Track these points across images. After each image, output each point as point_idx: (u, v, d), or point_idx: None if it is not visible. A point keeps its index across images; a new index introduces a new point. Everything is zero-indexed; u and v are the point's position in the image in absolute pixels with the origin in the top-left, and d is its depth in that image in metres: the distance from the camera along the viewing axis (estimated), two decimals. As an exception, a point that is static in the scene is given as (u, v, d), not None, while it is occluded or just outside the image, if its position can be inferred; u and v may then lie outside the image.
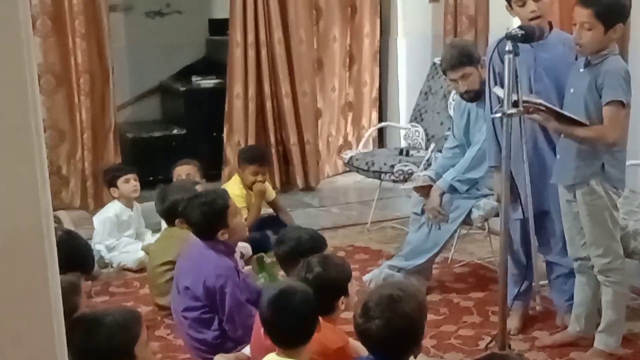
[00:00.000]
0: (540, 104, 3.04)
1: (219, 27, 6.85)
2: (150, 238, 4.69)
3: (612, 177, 3.12)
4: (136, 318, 2.41)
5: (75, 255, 3.09)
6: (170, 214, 3.97)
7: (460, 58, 3.86)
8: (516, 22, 3.39)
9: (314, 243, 3.14)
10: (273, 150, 6.15)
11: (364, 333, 2.34)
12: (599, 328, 3.27)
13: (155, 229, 4.72)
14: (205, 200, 3.34)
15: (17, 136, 0.90)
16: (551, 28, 3.37)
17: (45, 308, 0.95)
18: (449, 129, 4.39)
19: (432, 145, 5.02)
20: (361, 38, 6.55)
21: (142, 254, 4.50)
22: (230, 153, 6.06)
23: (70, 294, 2.53)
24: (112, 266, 4.61)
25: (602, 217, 3.13)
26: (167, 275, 3.82)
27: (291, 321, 2.43)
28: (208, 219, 3.32)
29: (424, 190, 4.02)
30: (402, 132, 5.89)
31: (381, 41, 6.69)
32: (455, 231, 4.08)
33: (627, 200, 3.74)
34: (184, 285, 3.36)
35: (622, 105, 3.01)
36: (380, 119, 6.78)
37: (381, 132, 6.80)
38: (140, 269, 4.43)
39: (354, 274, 4.15)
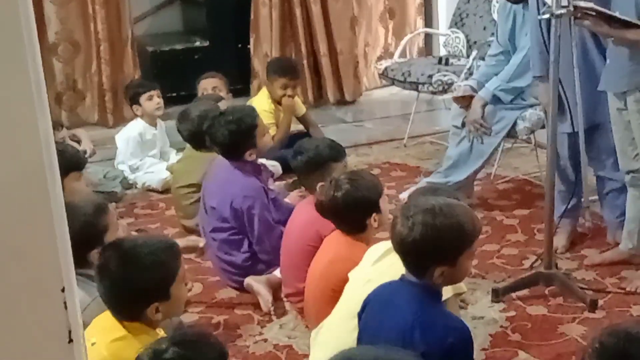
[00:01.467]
0: (591, 9, 2.96)
1: None
2: (174, 157, 4.73)
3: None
4: (175, 252, 2.30)
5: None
6: (198, 138, 3.83)
7: (504, -46, 3.80)
8: None
9: (332, 152, 3.15)
10: (304, 62, 6.07)
11: (395, 229, 2.31)
12: (653, 245, 3.29)
13: (180, 148, 4.71)
14: (232, 119, 3.34)
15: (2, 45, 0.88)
16: None
17: (47, 225, 0.96)
18: (493, 34, 4.34)
19: (474, 53, 4.96)
20: None
21: (167, 174, 4.53)
22: (258, 65, 6.05)
23: (96, 216, 2.55)
24: (136, 187, 4.68)
25: (657, 126, 3.10)
26: (192, 197, 3.87)
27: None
28: (235, 139, 3.32)
29: (465, 101, 4.01)
30: (442, 39, 5.78)
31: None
32: (498, 144, 4.08)
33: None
34: (210, 206, 3.40)
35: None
36: (433, 27, 6.57)
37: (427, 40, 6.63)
38: (166, 190, 4.48)
39: (390, 192, 4.20)
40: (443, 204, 2.29)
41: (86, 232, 2.39)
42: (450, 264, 2.24)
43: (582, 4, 2.96)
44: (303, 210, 3.08)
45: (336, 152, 3.15)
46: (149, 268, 2.14)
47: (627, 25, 2.96)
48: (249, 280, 3.28)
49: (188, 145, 4.16)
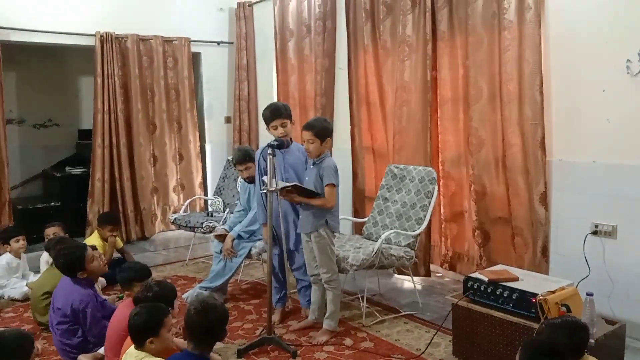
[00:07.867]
0: (290, 185, 3.15)
1: (85, 134, 6.69)
2: (32, 277, 4.27)
3: (332, 226, 3.29)
4: (29, 338, 2.14)
5: None
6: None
7: (244, 157, 3.96)
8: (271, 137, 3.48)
9: (143, 272, 3.04)
10: (122, 215, 5.85)
11: (189, 325, 2.32)
12: (325, 316, 3.41)
13: (36, 271, 4.32)
14: (67, 252, 3.14)
15: None
16: (291, 141, 3.51)
17: None
18: (238, 199, 4.43)
19: (227, 210, 5.05)
20: (187, 143, 6.40)
21: (26, 289, 4.09)
22: (92, 217, 5.72)
23: None
24: (3, 298, 4.15)
25: (326, 250, 3.31)
26: (46, 301, 3.50)
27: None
28: (68, 264, 3.11)
29: (222, 238, 4.02)
30: (210, 201, 5.88)
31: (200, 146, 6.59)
32: (241, 262, 4.07)
33: (339, 238, 3.99)
34: (57, 307, 3.10)
35: (334, 186, 3.21)
36: (206, 195, 6.53)
37: (206, 202, 6.62)
38: (25, 300, 4.03)
39: (178, 293, 4.07)
40: (211, 301, 2.37)
41: None
42: (223, 334, 2.34)
43: (284, 185, 3.15)
44: (121, 310, 2.87)
45: (145, 272, 3.03)
46: (14, 350, 2.02)
47: (310, 195, 3.19)
48: (81, 357, 2.99)
49: (43, 269, 3.81)
